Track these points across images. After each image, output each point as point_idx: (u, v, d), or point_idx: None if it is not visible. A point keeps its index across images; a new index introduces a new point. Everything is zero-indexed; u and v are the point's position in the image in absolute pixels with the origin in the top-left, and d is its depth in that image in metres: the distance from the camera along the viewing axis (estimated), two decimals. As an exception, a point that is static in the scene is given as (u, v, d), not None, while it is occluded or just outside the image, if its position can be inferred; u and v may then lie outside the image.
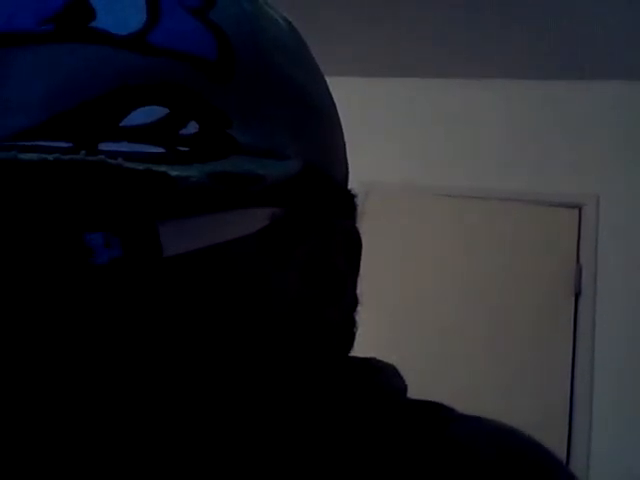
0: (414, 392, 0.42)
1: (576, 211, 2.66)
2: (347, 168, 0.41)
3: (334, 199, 0.37)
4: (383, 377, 0.41)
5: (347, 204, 0.39)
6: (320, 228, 0.36)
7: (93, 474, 0.31)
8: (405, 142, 2.84)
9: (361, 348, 0.42)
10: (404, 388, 0.42)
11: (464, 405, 0.43)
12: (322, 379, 0.37)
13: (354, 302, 0.40)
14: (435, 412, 0.40)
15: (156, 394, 0.30)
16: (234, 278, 0.32)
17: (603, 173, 2.67)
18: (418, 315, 2.61)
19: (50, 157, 0.27)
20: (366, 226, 0.40)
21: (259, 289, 0.33)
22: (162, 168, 0.28)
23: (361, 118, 2.66)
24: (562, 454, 2.41)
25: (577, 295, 2.58)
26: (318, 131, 0.37)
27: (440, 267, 2.65)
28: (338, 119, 0.41)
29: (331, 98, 0.40)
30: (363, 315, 0.41)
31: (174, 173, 0.28)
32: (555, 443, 2.39)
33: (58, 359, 0.29)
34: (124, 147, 0.28)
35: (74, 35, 0.30)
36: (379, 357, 0.44)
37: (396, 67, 2.84)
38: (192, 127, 0.30)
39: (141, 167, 0.28)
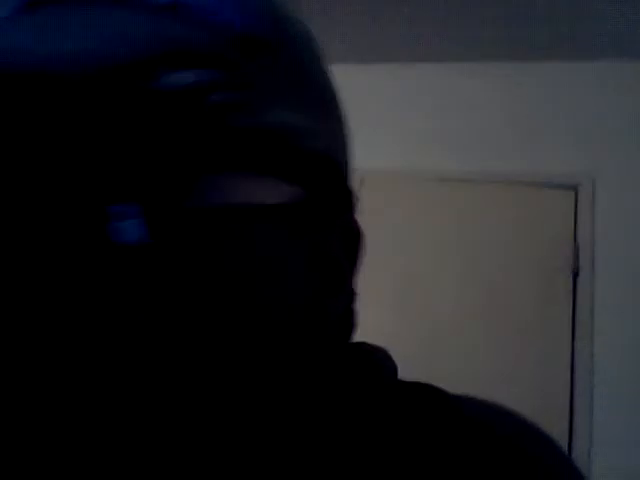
0: (411, 377, 0.42)
1: (572, 192, 2.67)
2: (352, 170, 0.42)
3: (343, 195, 0.38)
4: (377, 360, 0.42)
5: (351, 201, 0.40)
6: (327, 220, 0.37)
7: (93, 473, 0.31)
8: (398, 127, 2.83)
9: (357, 334, 0.42)
10: (395, 370, 0.42)
11: (464, 389, 0.43)
12: (322, 365, 0.38)
13: (352, 294, 0.40)
14: (429, 393, 0.41)
15: (170, 361, 0.30)
16: (249, 244, 0.32)
17: (598, 154, 2.67)
18: (416, 299, 2.62)
19: (100, 76, 0.28)
20: (361, 213, 0.41)
21: (274, 265, 0.33)
22: (206, 107, 0.29)
23: (352, 105, 2.64)
24: (564, 435, 2.42)
25: (575, 275, 2.59)
26: (334, 130, 0.38)
27: (438, 251, 2.65)
28: (348, 125, 0.42)
29: (342, 105, 0.42)
30: (359, 302, 0.42)
31: (213, 117, 0.29)
32: (556, 424, 2.40)
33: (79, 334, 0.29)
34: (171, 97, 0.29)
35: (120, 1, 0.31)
36: (376, 343, 0.44)
37: (386, 52, 2.83)
38: (222, 94, 0.31)
39: (189, 101, 0.29)
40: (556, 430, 2.25)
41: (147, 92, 0.29)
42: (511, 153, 2.73)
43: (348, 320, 0.41)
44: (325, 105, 0.37)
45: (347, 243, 0.39)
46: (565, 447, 2.42)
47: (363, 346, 0.42)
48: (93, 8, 0.31)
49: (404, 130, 2.83)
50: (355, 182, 0.41)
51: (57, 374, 0.30)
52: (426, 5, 2.51)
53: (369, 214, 0.44)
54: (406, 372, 0.43)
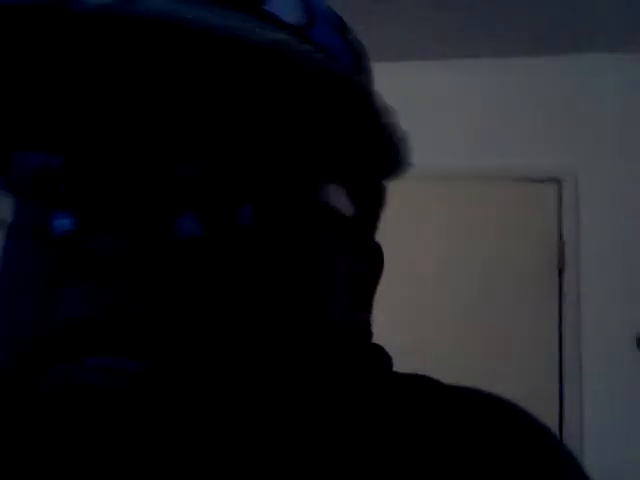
0: (402, 369, 0.44)
1: (556, 186, 2.67)
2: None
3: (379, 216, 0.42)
4: (373, 355, 0.44)
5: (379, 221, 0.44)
6: (365, 240, 0.40)
7: (93, 471, 0.31)
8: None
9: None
10: (390, 363, 0.44)
11: (453, 381, 0.44)
12: (329, 363, 0.39)
13: (371, 309, 0.43)
14: (422, 383, 0.42)
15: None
16: (317, 251, 0.34)
17: (581, 147, 2.68)
18: (401, 294, 2.62)
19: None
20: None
21: (329, 271, 0.36)
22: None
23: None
24: (554, 427, 2.43)
25: (561, 270, 2.60)
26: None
27: (424, 248, 2.66)
28: None
29: None
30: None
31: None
32: (546, 419, 2.41)
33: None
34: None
35: (249, 12, 0.32)
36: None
37: (375, 52, 2.83)
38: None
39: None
40: (546, 418, 2.25)
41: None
42: (494, 149, 2.74)
43: (366, 328, 0.43)
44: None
45: (372, 262, 0.42)
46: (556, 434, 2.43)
47: (359, 343, 0.44)
48: None
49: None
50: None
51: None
52: (414, 3, 2.51)
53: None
54: (397, 365, 0.45)
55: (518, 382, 2.44)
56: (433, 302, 2.60)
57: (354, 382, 0.40)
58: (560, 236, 2.62)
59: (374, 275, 0.42)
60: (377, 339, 0.48)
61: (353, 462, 0.36)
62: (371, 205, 0.39)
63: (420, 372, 0.45)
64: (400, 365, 0.47)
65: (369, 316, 0.42)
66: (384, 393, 0.40)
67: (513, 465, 0.37)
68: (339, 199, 0.35)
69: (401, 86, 2.89)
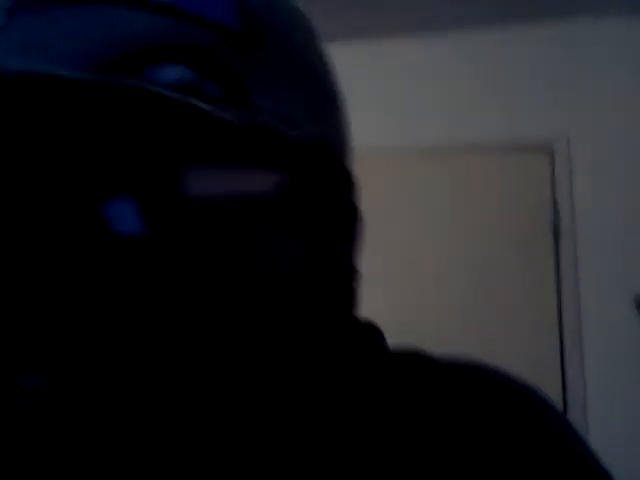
0: (402, 340, 0.44)
1: (548, 152, 2.67)
2: (351, 152, 0.43)
3: (340, 178, 0.40)
4: (365, 330, 0.44)
5: (351, 183, 0.41)
6: (326, 202, 0.38)
7: (92, 469, 0.31)
8: (373, 102, 2.82)
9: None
10: (383, 338, 0.44)
11: (451, 349, 0.44)
12: (318, 338, 0.39)
13: (354, 273, 0.42)
14: (419, 356, 0.43)
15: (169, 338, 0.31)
16: (247, 234, 0.33)
17: (571, 112, 2.68)
18: (400, 268, 2.63)
19: (90, 75, 0.28)
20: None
21: (267, 250, 0.34)
22: (194, 101, 0.30)
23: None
24: (557, 390, 2.44)
25: (557, 236, 2.60)
26: (330, 114, 0.40)
27: (419, 222, 2.66)
28: (344, 106, 0.43)
29: (339, 86, 0.43)
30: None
31: (204, 107, 0.30)
32: (549, 384, 2.42)
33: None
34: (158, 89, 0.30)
35: None
36: (368, 310, 0.47)
37: (359, 29, 2.81)
38: (215, 87, 0.32)
39: (176, 96, 0.29)
40: (549, 390, 2.26)
41: (135, 88, 0.29)
42: (484, 119, 2.73)
43: (350, 298, 0.42)
44: (316, 90, 0.38)
45: (347, 222, 0.40)
46: (560, 405, 2.45)
47: (352, 319, 0.43)
48: (85, 7, 0.32)
49: (378, 106, 2.82)
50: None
51: (56, 361, 0.30)
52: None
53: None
54: (395, 338, 0.45)
55: (518, 349, 2.46)
56: (432, 273, 2.60)
57: (339, 362, 0.40)
58: (555, 202, 2.63)
59: (348, 236, 0.40)
60: (382, 312, 0.48)
61: (343, 443, 0.37)
62: (312, 171, 0.37)
63: (419, 342, 0.45)
64: (400, 337, 0.48)
65: (351, 282, 0.41)
66: (374, 374, 0.40)
67: (507, 440, 0.37)
68: (246, 182, 0.33)
69: (385, 61, 2.88)
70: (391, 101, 2.81)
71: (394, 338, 0.45)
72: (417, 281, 2.61)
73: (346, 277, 0.40)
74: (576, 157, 2.64)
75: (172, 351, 0.31)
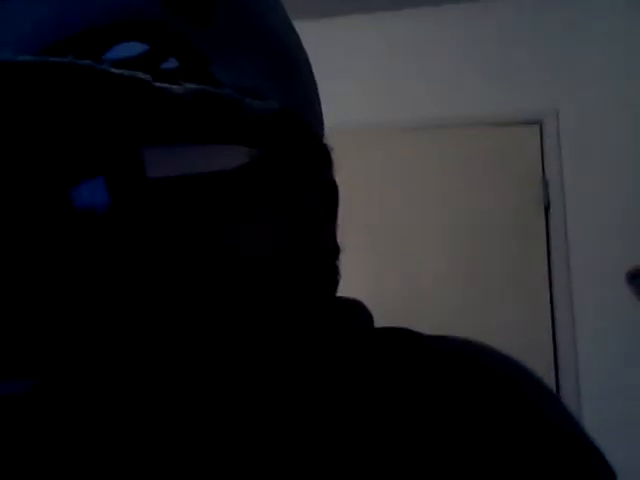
0: (398, 315, 0.43)
1: (537, 127, 2.67)
2: (323, 123, 0.42)
3: (312, 149, 0.38)
4: (350, 310, 0.43)
5: (324, 155, 0.40)
6: (298, 175, 0.37)
7: (91, 467, 0.31)
8: (361, 79, 2.81)
9: (344, 286, 0.43)
10: (369, 318, 0.43)
11: (445, 327, 0.44)
12: (302, 319, 0.38)
13: (335, 250, 0.41)
14: (405, 335, 0.42)
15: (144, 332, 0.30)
16: (214, 212, 0.32)
17: (562, 87, 2.67)
18: (392, 245, 2.63)
19: (37, 58, 0.27)
20: (337, 169, 0.41)
21: (238, 227, 0.33)
22: (146, 77, 0.29)
23: (315, 61, 2.61)
24: (549, 367, 2.46)
25: (546, 209, 2.61)
26: (296, 82, 0.38)
27: (412, 198, 2.66)
28: (313, 75, 0.42)
29: (305, 53, 0.41)
30: (345, 255, 0.42)
31: (157, 84, 0.29)
32: (541, 360, 2.44)
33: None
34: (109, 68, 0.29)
35: None
36: (360, 295, 0.45)
37: (344, 4, 2.79)
38: (172, 62, 0.31)
39: (127, 73, 0.28)
40: (541, 366, 2.29)
41: (90, 65, 0.28)
42: (472, 94, 2.73)
43: (332, 276, 0.41)
44: (280, 59, 0.37)
45: (324, 197, 0.39)
46: (552, 382, 2.47)
47: (338, 298, 0.43)
48: None
49: (365, 82, 2.81)
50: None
51: (19, 340, 0.30)
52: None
53: (343, 168, 0.44)
54: (388, 319, 0.44)
55: (509, 323, 2.47)
56: (421, 247, 2.61)
57: (326, 341, 0.39)
58: (543, 175, 2.63)
59: (328, 211, 0.39)
60: (375, 296, 0.47)
61: (324, 429, 0.36)
62: (281, 144, 0.36)
63: (415, 313, 0.44)
64: (393, 318, 0.47)
65: (332, 259, 0.40)
66: (355, 353, 0.39)
67: (492, 423, 0.36)
68: (209, 157, 0.32)
69: (370, 35, 2.86)
70: (379, 77, 2.80)
71: (382, 314, 0.44)
72: (406, 253, 2.62)
73: (327, 255, 0.39)
74: (565, 131, 2.64)
75: (143, 336, 0.31)
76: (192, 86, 0.30)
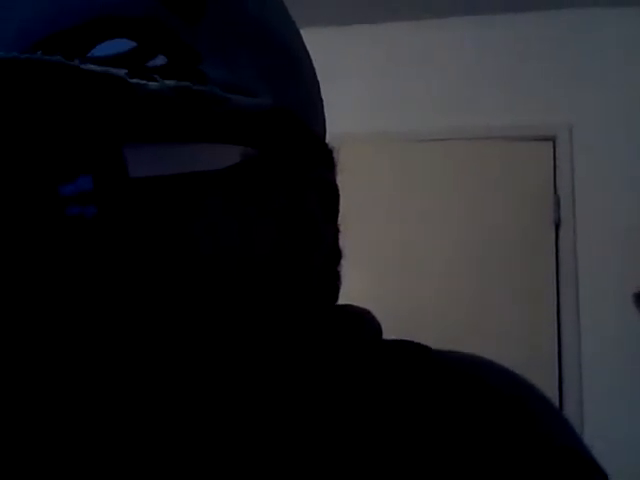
0: (401, 332, 0.43)
1: (550, 142, 2.67)
2: (324, 123, 0.41)
3: (310, 147, 0.37)
4: (360, 320, 0.42)
5: (324, 156, 0.39)
6: (296, 176, 0.36)
7: (89, 466, 0.31)
8: (372, 90, 2.81)
9: (348, 297, 0.42)
10: (379, 329, 0.43)
11: (451, 342, 0.44)
12: (303, 326, 0.37)
13: (336, 255, 0.40)
14: (413, 348, 0.41)
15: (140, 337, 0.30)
16: (204, 212, 0.32)
17: (575, 102, 2.67)
18: (402, 259, 2.63)
19: (6, 55, 0.26)
20: (342, 178, 0.40)
21: (231, 228, 0.33)
22: (121, 73, 0.28)
23: (323, 69, 2.60)
24: (553, 383, 2.45)
25: (557, 225, 2.60)
26: (292, 79, 0.37)
27: (420, 211, 2.66)
28: (314, 74, 0.41)
29: (307, 53, 0.40)
30: (346, 265, 0.42)
31: (133, 80, 0.28)
32: (545, 374, 2.43)
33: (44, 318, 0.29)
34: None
35: None
36: (365, 305, 0.44)
37: (356, 14, 2.79)
38: (160, 60, 0.30)
39: (99, 69, 0.27)
40: (546, 382, 2.28)
41: (59, 61, 0.28)
42: (485, 108, 2.73)
43: (332, 281, 0.40)
44: (278, 58, 0.36)
45: (325, 200, 0.38)
46: (556, 397, 2.45)
47: (347, 307, 0.42)
48: None
49: (379, 92, 2.81)
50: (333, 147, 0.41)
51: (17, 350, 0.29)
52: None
53: (349, 178, 0.43)
54: (394, 327, 0.44)
55: (515, 339, 2.46)
56: (428, 262, 2.60)
57: (334, 351, 0.38)
58: (555, 191, 2.63)
59: (328, 213, 0.38)
60: (382, 306, 0.47)
61: (331, 439, 0.36)
62: (276, 143, 0.35)
63: (419, 328, 0.44)
64: (397, 329, 0.47)
65: (334, 264, 0.40)
66: (368, 362, 0.39)
67: (494, 436, 0.36)
68: (198, 156, 0.31)
69: (390, 47, 2.86)
70: (393, 88, 2.80)
71: (389, 328, 0.44)
72: (412, 268, 2.61)
73: (327, 258, 0.39)
74: (578, 148, 2.64)
75: (136, 339, 0.30)
76: (170, 83, 0.29)
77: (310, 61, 0.40)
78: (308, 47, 0.41)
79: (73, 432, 0.30)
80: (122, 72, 0.28)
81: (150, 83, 0.29)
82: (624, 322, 2.45)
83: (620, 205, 2.56)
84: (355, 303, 0.43)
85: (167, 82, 0.29)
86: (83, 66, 0.27)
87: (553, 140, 2.66)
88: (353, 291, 0.44)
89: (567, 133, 2.65)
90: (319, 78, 0.41)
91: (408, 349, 0.41)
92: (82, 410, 0.30)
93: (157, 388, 0.31)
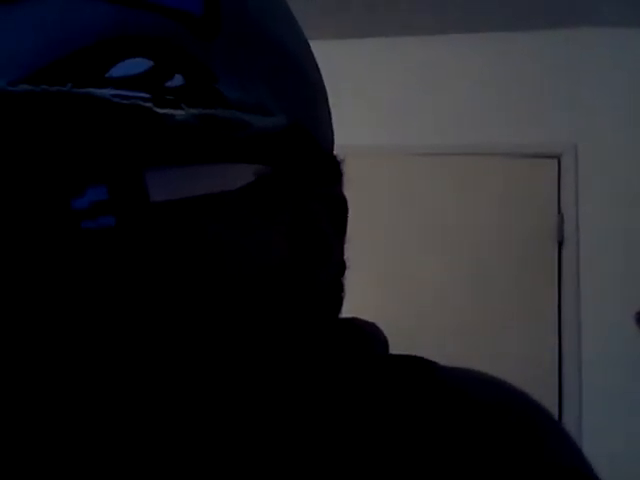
0: (401, 348, 0.43)
1: (555, 161, 2.67)
2: (333, 137, 0.41)
3: (320, 163, 0.38)
4: (367, 334, 0.42)
5: (333, 170, 0.39)
6: (306, 191, 0.36)
7: (89, 467, 0.31)
8: (378, 103, 2.82)
9: (350, 309, 0.42)
10: (386, 344, 0.43)
11: (452, 360, 0.44)
12: (309, 339, 0.37)
13: (341, 266, 0.40)
14: (419, 364, 0.41)
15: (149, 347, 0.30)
16: (219, 232, 0.32)
17: (580, 122, 2.67)
18: (403, 273, 2.62)
19: (37, 88, 0.27)
20: (347, 191, 0.41)
21: (244, 246, 0.33)
22: (148, 104, 0.28)
23: (332, 81, 2.61)
24: (553, 402, 2.44)
25: (560, 244, 2.60)
26: (304, 96, 0.37)
27: (423, 225, 2.66)
28: (324, 89, 0.41)
29: (317, 67, 0.41)
30: (350, 278, 0.42)
31: (161, 111, 0.28)
32: (546, 393, 2.42)
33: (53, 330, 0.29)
34: (110, 92, 0.28)
35: None
36: (368, 316, 0.44)
37: (368, 27, 2.81)
38: (178, 80, 0.31)
39: (127, 102, 0.28)
40: (546, 398, 2.27)
41: (88, 94, 0.28)
42: (491, 124, 2.73)
43: (337, 292, 0.40)
44: (291, 75, 0.36)
45: (334, 214, 0.38)
46: (556, 414, 2.45)
47: (354, 321, 0.42)
48: (32, 1, 0.30)
49: (384, 106, 2.82)
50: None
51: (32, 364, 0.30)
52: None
53: (354, 191, 0.44)
54: (393, 345, 0.43)
55: (517, 356, 2.46)
56: (430, 277, 2.60)
57: (342, 365, 0.38)
58: (559, 209, 2.63)
59: (337, 228, 0.38)
60: (384, 318, 0.47)
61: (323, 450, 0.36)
62: (287, 160, 0.35)
63: (419, 345, 0.44)
64: (397, 344, 0.47)
65: (339, 276, 0.40)
66: (375, 377, 0.39)
67: (497, 455, 0.35)
68: (216, 177, 0.32)
69: (397, 63, 2.87)
70: (397, 105, 2.81)
71: (393, 347, 0.44)
72: (413, 283, 2.61)
73: (334, 273, 0.39)
74: (583, 164, 2.64)
75: (144, 347, 0.30)
76: (195, 111, 0.29)
77: (320, 75, 0.41)
78: (324, 58, 0.41)
79: (73, 432, 0.30)
80: (149, 103, 0.28)
81: (177, 112, 0.29)
82: (626, 341, 2.45)
83: (623, 224, 2.56)
84: (352, 315, 0.43)
85: (192, 110, 0.29)
86: (113, 99, 0.28)
87: (558, 158, 2.67)
88: (350, 302, 0.45)
89: (572, 152, 2.65)
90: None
91: (413, 365, 0.41)
92: (82, 410, 0.30)
93: (165, 396, 0.31)
